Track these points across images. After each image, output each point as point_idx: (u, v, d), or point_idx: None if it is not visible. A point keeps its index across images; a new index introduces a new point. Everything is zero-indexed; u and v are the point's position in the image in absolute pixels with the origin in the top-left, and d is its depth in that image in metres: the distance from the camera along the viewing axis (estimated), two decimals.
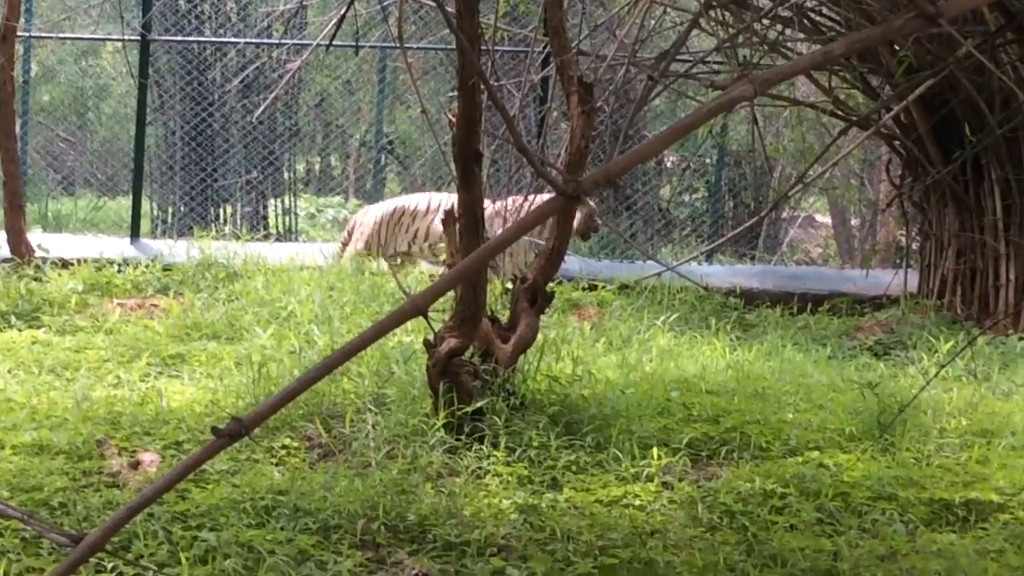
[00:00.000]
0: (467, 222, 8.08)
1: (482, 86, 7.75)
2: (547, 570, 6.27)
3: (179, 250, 14.39)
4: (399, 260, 14.68)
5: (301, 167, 24.15)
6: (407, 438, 7.94)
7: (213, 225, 17.65)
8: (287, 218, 20.72)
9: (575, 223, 13.90)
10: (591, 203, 14.13)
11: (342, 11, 8.13)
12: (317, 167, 25.77)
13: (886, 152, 16.46)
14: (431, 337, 8.13)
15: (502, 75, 14.89)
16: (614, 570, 6.35)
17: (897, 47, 11.96)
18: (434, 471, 7.58)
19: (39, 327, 11.24)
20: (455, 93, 8.32)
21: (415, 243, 14.70)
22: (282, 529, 6.61)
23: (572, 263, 14.30)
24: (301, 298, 11.62)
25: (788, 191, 9.86)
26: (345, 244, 15.10)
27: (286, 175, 21.18)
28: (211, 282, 13.04)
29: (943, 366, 9.76)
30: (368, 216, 15.02)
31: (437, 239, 14.47)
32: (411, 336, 9.74)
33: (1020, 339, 11.87)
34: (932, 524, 7.31)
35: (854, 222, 24.52)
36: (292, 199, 21.02)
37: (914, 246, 14.87)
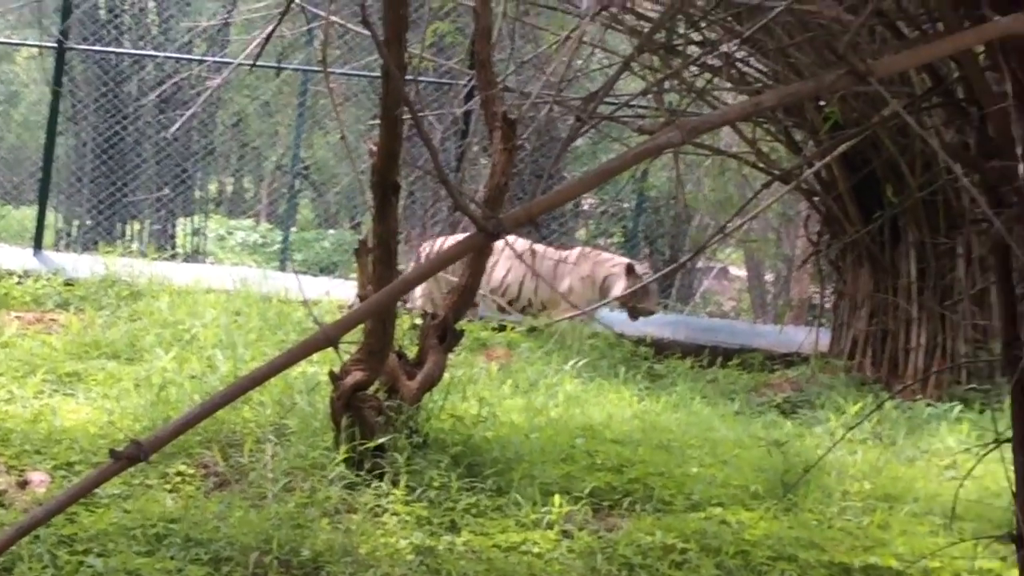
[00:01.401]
0: (382, 253, 7.94)
1: (406, 116, 7.63)
2: None
3: (83, 265, 14.16)
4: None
5: (213, 187, 23.95)
6: (306, 471, 7.79)
7: (119, 241, 17.42)
8: (196, 238, 20.49)
9: (618, 291, 13.96)
10: (646, 277, 14.14)
11: (267, 31, 7.97)
12: (230, 188, 25.59)
13: (805, 208, 16.49)
14: (336, 369, 7.97)
15: (425, 106, 14.78)
16: None
17: (823, 103, 11.95)
18: (332, 506, 7.42)
19: None
20: (375, 121, 8.19)
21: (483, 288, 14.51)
22: (172, 558, 6.43)
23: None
24: (206, 321, 11.42)
25: (708, 242, 9.82)
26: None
27: (197, 194, 20.98)
28: (114, 299, 12.81)
29: (850, 428, 9.70)
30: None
31: (500, 285, 14.37)
32: (316, 367, 9.58)
33: (928, 405, 11.85)
34: None
35: (768, 277, 24.62)
36: (202, 219, 20.79)
37: (827, 305, 14.87)
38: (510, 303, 14.41)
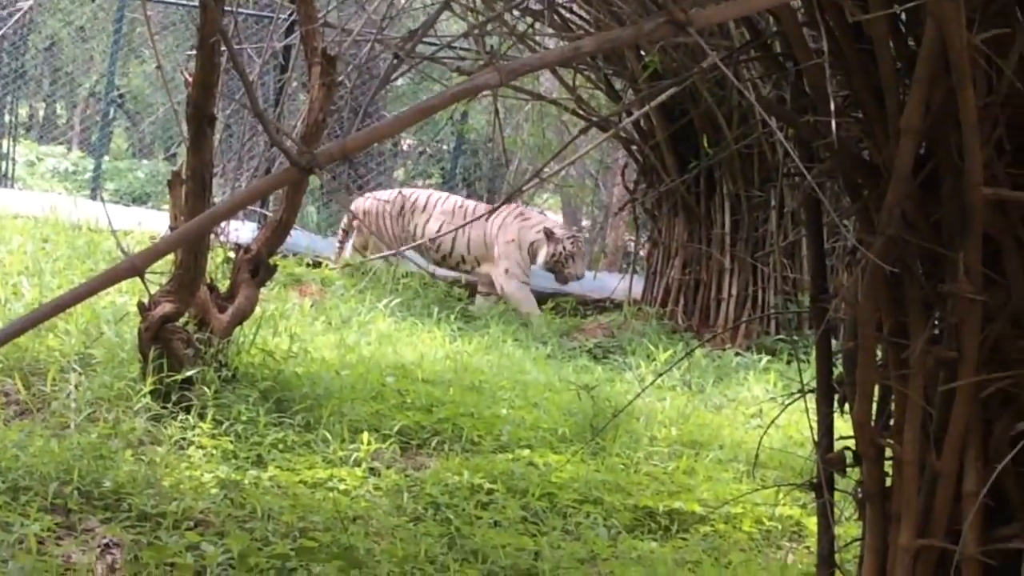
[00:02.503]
0: (194, 185, 7.83)
1: (222, 47, 7.52)
2: (244, 548, 6.06)
3: None
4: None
5: (24, 111, 23.38)
6: (111, 402, 7.67)
7: None
8: (4, 163, 20.00)
9: (543, 257, 13.80)
10: (569, 242, 13.95)
11: None
12: (41, 113, 25.02)
13: (623, 157, 16.60)
14: (145, 300, 7.85)
15: (244, 39, 14.55)
16: (312, 553, 6.18)
17: (643, 52, 12.01)
18: (136, 438, 7.32)
19: None
20: (193, 52, 8.05)
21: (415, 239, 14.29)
22: None
23: (298, 238, 14.05)
24: (12, 248, 11.17)
25: (524, 185, 9.84)
26: (344, 238, 14.76)
27: (7, 118, 20.46)
28: None
29: (660, 375, 9.83)
30: (369, 205, 14.70)
31: (435, 239, 14.12)
32: (125, 297, 9.43)
33: (736, 354, 12.03)
34: (635, 531, 7.31)
35: (585, 223, 24.75)
36: (11, 144, 20.29)
37: (642, 253, 15.00)
38: (443, 258, 14.19)
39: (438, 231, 14.02)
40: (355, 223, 14.61)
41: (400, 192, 14.85)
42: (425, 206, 14.35)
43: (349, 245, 14.59)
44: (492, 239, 14.03)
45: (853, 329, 4.18)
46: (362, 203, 14.89)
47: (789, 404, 4.91)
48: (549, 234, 13.93)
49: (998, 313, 3.86)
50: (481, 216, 13.31)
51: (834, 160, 4.24)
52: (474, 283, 14.21)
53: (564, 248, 13.89)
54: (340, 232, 15.12)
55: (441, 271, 14.29)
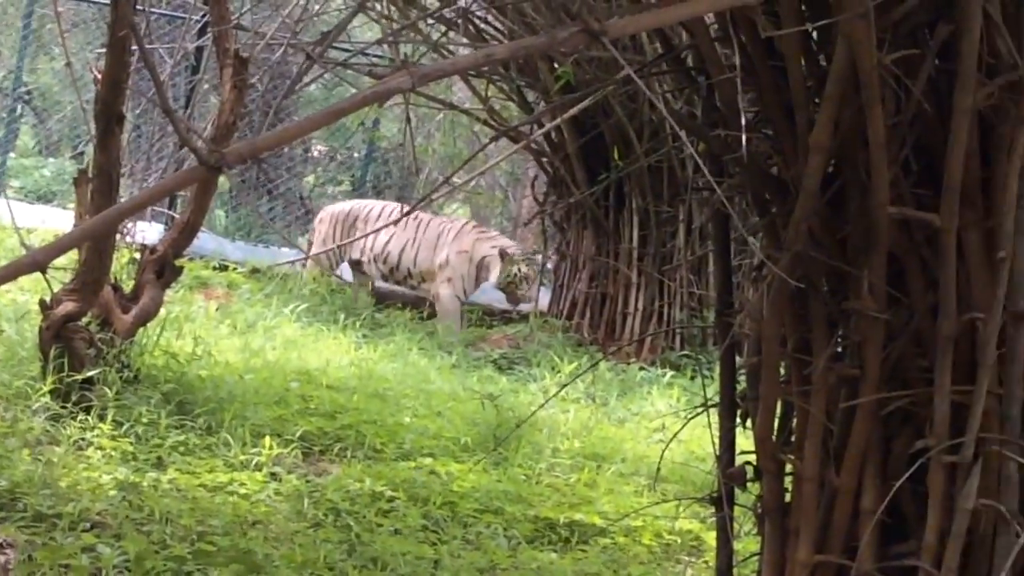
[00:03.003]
0: (100, 183, 7.76)
1: (133, 46, 7.46)
2: (140, 551, 6.00)
3: None
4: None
5: None
6: (9, 400, 7.58)
7: None
8: None
9: (494, 278, 13.61)
10: (524, 263, 13.78)
11: None
12: None
13: (533, 169, 16.61)
14: (48, 298, 7.77)
15: (156, 39, 14.45)
16: (210, 557, 6.12)
17: (556, 64, 12.04)
18: (34, 438, 7.23)
19: None
20: (103, 49, 7.98)
21: (364, 254, 14.14)
22: None
23: (206, 241, 13.96)
24: None
25: (432, 193, 9.82)
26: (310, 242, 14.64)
27: None
28: None
29: (563, 386, 9.83)
30: (326, 214, 14.65)
31: (382, 252, 13.97)
32: (27, 295, 9.33)
33: (641, 368, 12.07)
34: (535, 541, 7.31)
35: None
36: None
37: (549, 265, 15.01)
38: (390, 271, 14.04)
39: (386, 243, 13.94)
40: (312, 234, 14.52)
41: (352, 204, 14.83)
42: (379, 216, 14.23)
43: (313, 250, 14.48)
44: (442, 245, 13.92)
45: (757, 345, 4.20)
46: (323, 212, 14.93)
47: (692, 418, 4.93)
48: (503, 254, 13.85)
49: (900, 332, 3.90)
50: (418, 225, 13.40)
51: (743, 175, 4.27)
52: (421, 300, 14.12)
53: (519, 270, 13.81)
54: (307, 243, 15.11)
55: (386, 285, 14.24)
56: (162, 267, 8.25)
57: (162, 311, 8.42)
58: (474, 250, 13.91)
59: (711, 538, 7.00)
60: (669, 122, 4.71)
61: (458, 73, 9.40)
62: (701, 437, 8.72)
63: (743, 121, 4.03)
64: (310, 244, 14.79)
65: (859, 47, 3.57)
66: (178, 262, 8.42)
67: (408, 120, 8.35)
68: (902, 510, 3.95)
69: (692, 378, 11.76)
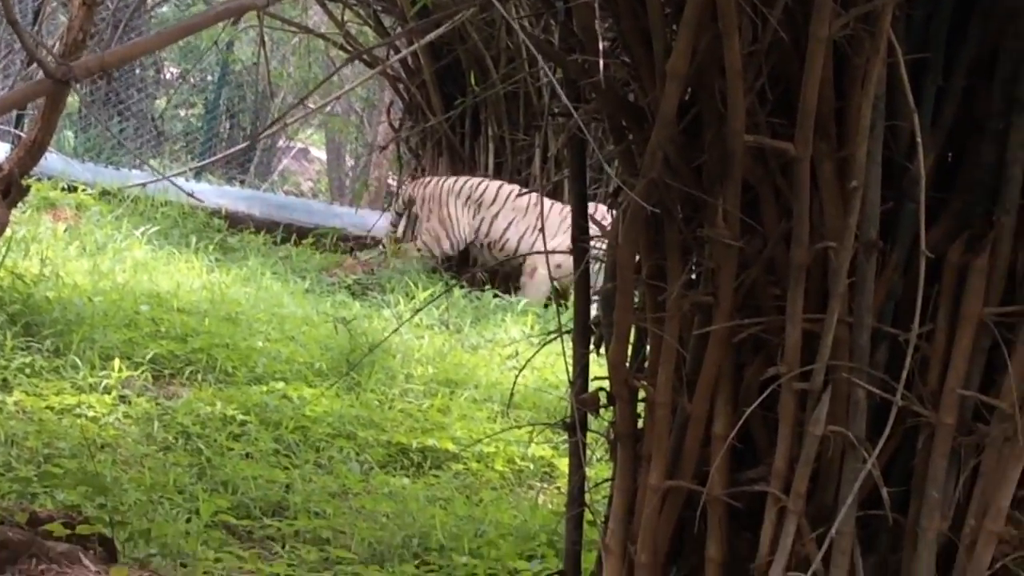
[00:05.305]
0: None
1: None
2: None
3: None
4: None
5: None
6: None
7: None
8: None
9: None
10: None
11: None
12: None
13: (389, 95, 16.51)
14: None
15: None
16: (57, 479, 6.05)
17: None
18: None
19: None
20: None
21: (479, 239, 13.00)
22: None
23: (54, 161, 13.66)
24: None
25: (286, 115, 9.72)
26: (397, 221, 13.50)
27: None
28: None
29: (417, 312, 9.83)
30: (434, 190, 13.12)
31: (499, 239, 12.95)
32: None
33: (495, 295, 12.07)
34: (387, 467, 7.33)
35: (349, 161, 24.61)
36: None
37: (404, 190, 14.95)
38: (498, 256, 13.01)
39: (505, 230, 12.94)
40: (414, 208, 13.30)
41: (468, 180, 13.31)
42: (495, 198, 13.04)
43: (401, 226, 13.49)
44: (559, 232, 12.45)
45: (612, 271, 4.21)
46: (421, 188, 13.37)
47: (545, 344, 4.94)
48: None
49: (754, 260, 3.92)
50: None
51: (600, 101, 4.26)
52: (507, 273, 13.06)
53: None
54: (393, 214, 13.91)
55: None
56: (8, 186, 8.03)
57: (8, 231, 8.25)
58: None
59: (563, 464, 7.06)
60: (526, 48, 4.69)
61: None
62: (554, 364, 8.76)
63: (600, 47, 4.02)
64: (398, 215, 13.59)
65: None
66: (25, 182, 8.23)
67: (262, 42, 8.24)
68: (753, 436, 3.98)
69: (545, 306, 11.79)
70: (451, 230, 13.05)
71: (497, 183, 13.11)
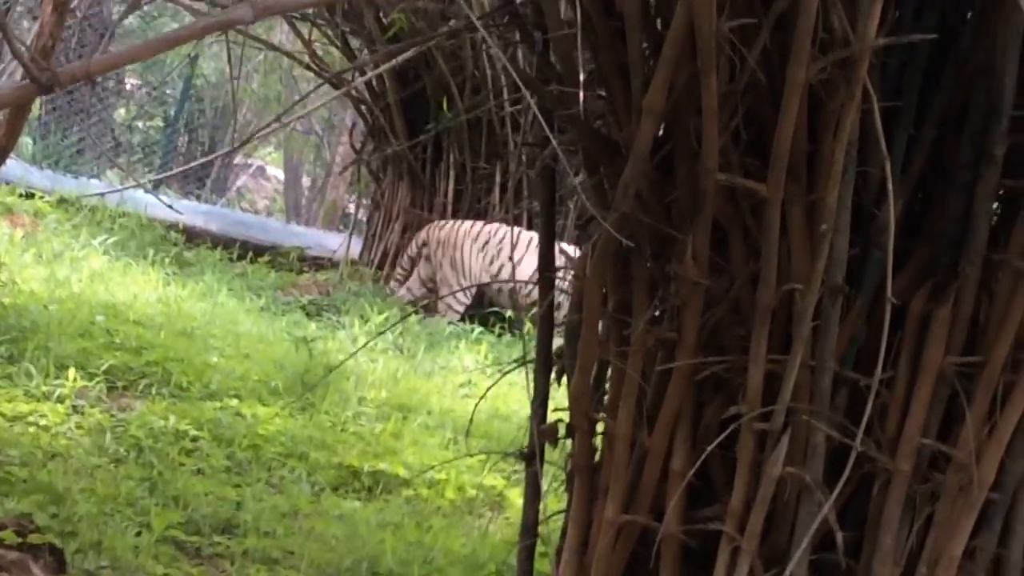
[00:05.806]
0: None
1: None
2: None
3: None
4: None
5: None
6: None
7: None
8: None
9: None
10: None
11: None
12: None
13: (351, 116, 16.53)
14: None
15: None
16: (10, 486, 6.02)
17: (383, 13, 12.01)
18: None
19: None
20: None
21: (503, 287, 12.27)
22: None
23: (13, 168, 13.59)
24: None
25: (253, 135, 9.73)
26: (410, 266, 12.95)
27: None
28: None
29: (374, 336, 9.81)
30: (449, 233, 12.65)
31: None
32: None
33: (449, 323, 12.06)
34: (338, 489, 7.31)
35: (306, 181, 24.60)
36: None
37: (362, 215, 14.98)
38: (511, 299, 12.26)
39: (529, 275, 12.08)
40: (424, 251, 12.81)
41: (484, 224, 12.85)
42: (516, 244, 11.90)
43: (415, 275, 12.96)
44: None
45: (578, 303, 4.23)
46: (436, 231, 12.88)
47: (506, 373, 4.95)
48: None
49: (720, 299, 3.95)
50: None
51: (574, 133, 4.28)
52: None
53: None
54: (405, 259, 13.20)
55: None
56: None
57: None
58: None
59: (514, 494, 7.06)
60: (491, 78, 4.71)
61: (302, 8, 9.29)
62: (507, 395, 8.81)
63: (581, 78, 4.04)
64: (411, 260, 13.00)
65: (698, 12, 3.60)
66: None
67: (230, 59, 8.25)
68: (710, 475, 4.00)
69: (499, 336, 11.78)
70: (461, 275, 12.68)
71: (517, 229, 12.54)
